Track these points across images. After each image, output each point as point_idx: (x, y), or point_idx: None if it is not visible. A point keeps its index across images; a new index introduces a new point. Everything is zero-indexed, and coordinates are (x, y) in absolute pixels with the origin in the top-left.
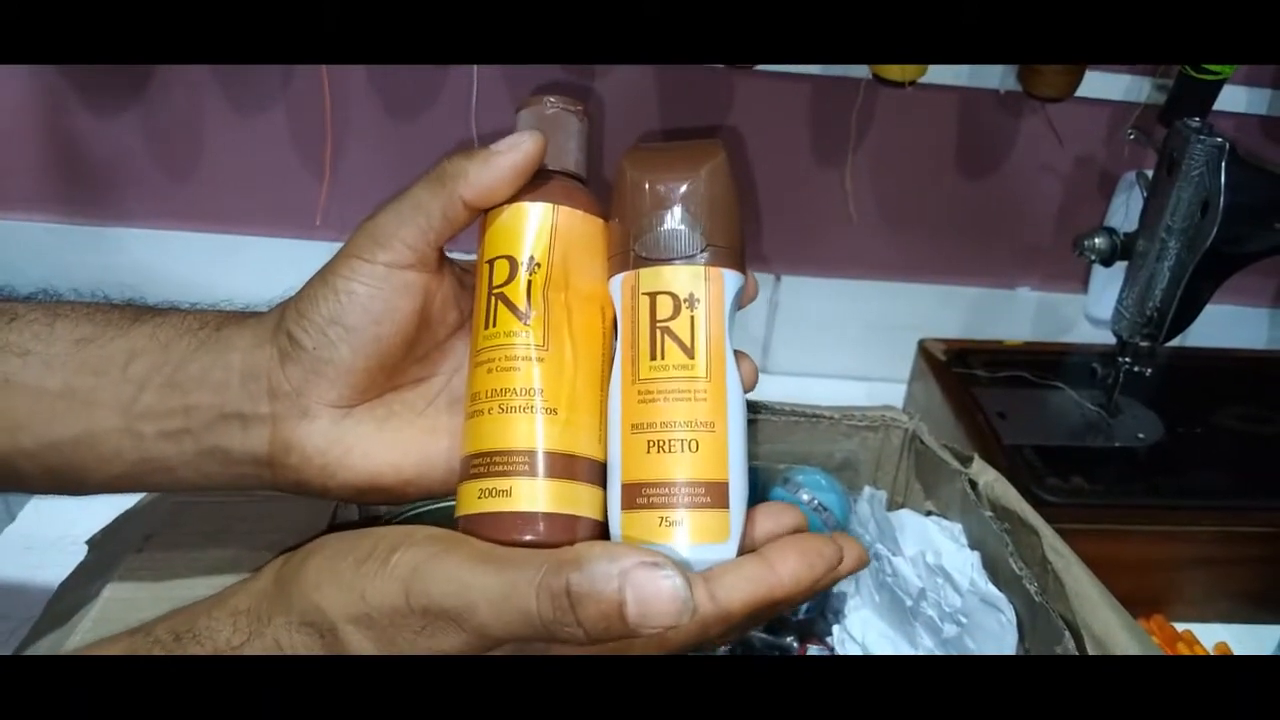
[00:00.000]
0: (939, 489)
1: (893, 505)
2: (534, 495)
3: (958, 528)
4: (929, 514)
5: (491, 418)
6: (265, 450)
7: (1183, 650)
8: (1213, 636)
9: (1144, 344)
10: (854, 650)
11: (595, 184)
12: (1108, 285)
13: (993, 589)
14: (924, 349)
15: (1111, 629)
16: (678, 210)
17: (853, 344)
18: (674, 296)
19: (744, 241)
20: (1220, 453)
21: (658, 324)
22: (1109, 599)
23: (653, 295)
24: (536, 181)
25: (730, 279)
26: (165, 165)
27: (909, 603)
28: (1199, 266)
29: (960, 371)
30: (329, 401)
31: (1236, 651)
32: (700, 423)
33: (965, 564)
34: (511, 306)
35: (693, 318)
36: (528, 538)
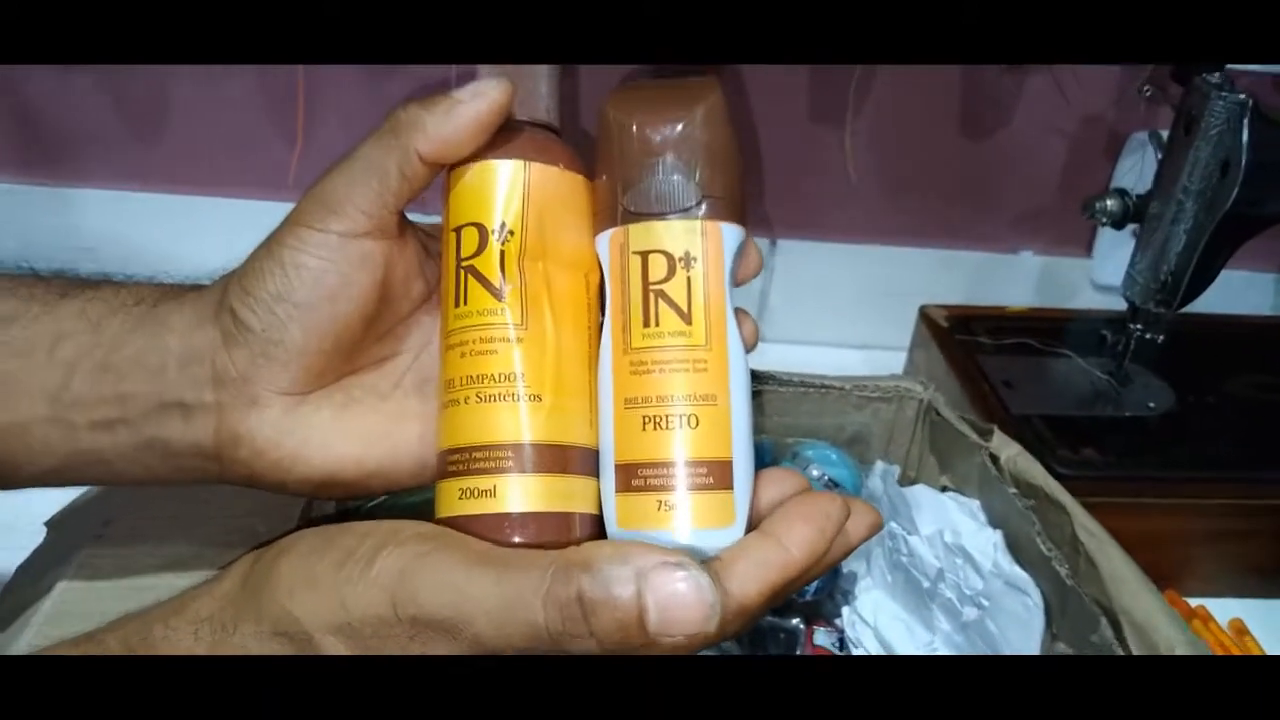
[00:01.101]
0: (955, 463)
1: (904, 480)
2: (521, 493)
3: (976, 504)
4: (944, 489)
5: (469, 408)
6: (210, 443)
7: (1197, 626)
8: (1227, 612)
9: (1157, 310)
10: (865, 633)
11: (571, 134)
12: (1113, 249)
13: (1018, 570)
14: (925, 315)
15: (1153, 616)
16: (669, 158)
17: (850, 310)
18: (668, 255)
19: (744, 191)
20: (1233, 422)
21: (650, 287)
22: (1147, 583)
23: (644, 254)
24: (504, 134)
25: (730, 234)
26: (128, 122)
27: (926, 584)
28: (1217, 229)
29: (964, 339)
30: (280, 388)
31: (1251, 627)
32: (700, 396)
33: (987, 543)
34: (484, 281)
35: (689, 279)
36: (516, 540)
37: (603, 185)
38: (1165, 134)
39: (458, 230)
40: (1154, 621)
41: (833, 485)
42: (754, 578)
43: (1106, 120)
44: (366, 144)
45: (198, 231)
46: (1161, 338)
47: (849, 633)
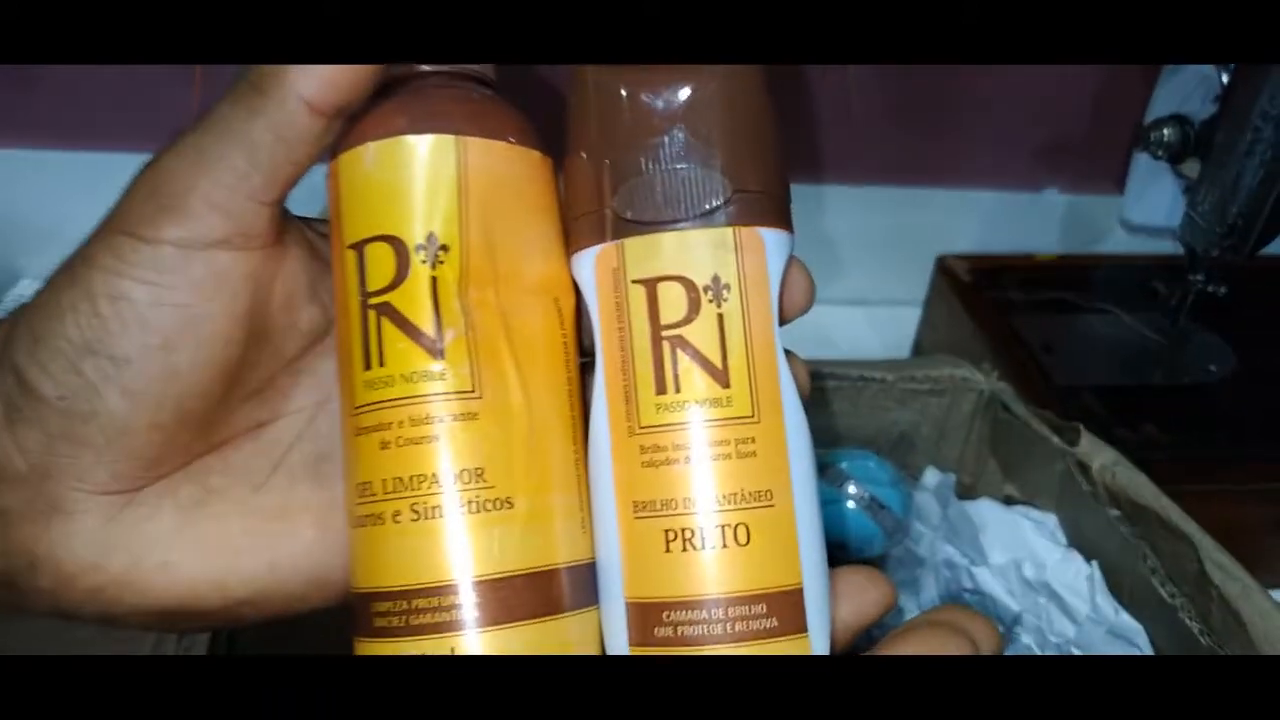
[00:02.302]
0: (1025, 469)
1: (959, 489)
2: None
3: (1052, 520)
4: (1008, 500)
5: (400, 529)
6: None
7: None
8: None
9: (1227, 257)
10: None
11: (514, 94)
12: (1148, 185)
13: (1126, 617)
14: (944, 267)
15: None
16: (680, 135)
17: (851, 261)
18: (687, 284)
19: (788, 182)
20: None
21: (663, 332)
22: None
23: (650, 284)
24: (419, 94)
25: (775, 245)
26: (3, 67)
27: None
28: None
29: (991, 295)
30: (96, 485)
31: None
32: (749, 493)
33: (1078, 578)
34: (408, 328)
35: (720, 316)
36: None
37: (581, 178)
38: None
39: (358, 248)
40: None
41: (877, 507)
42: None
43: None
44: (220, 104)
45: (93, 195)
46: (1224, 290)
47: None
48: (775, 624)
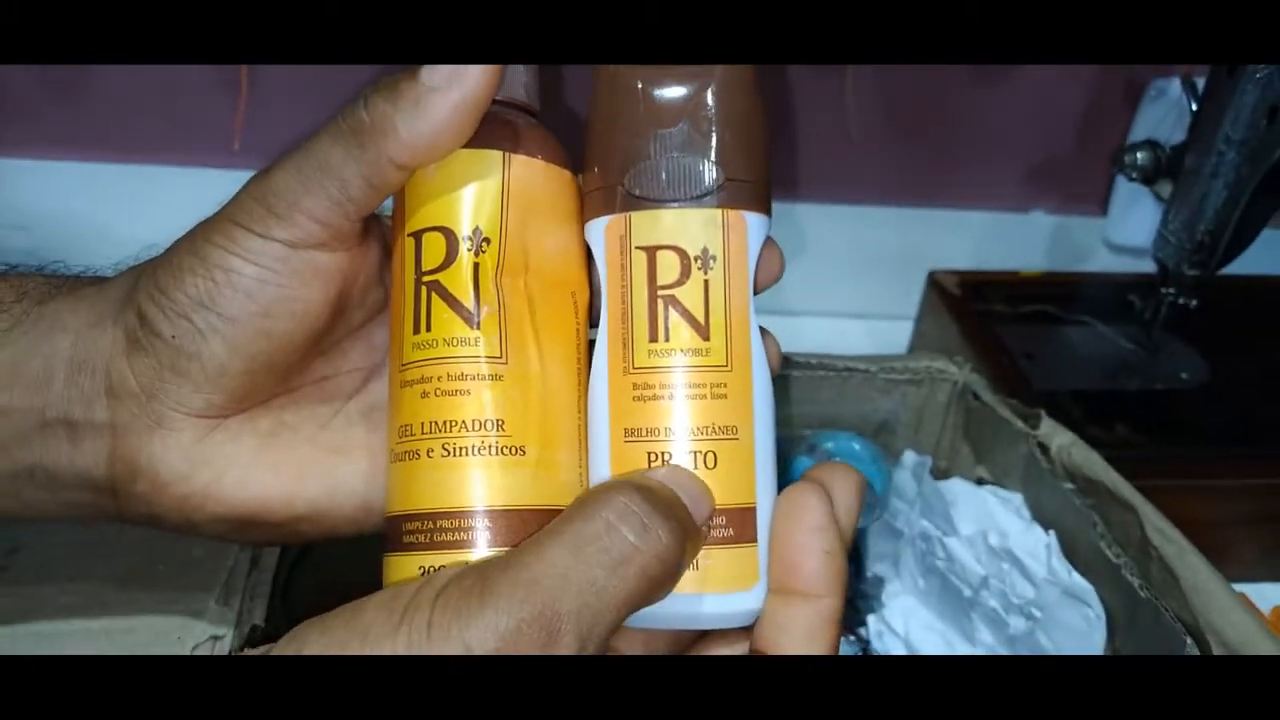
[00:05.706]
0: (994, 452)
1: (935, 472)
2: None
3: (1019, 499)
4: (979, 481)
5: (432, 463)
6: (103, 472)
7: None
8: (1269, 600)
9: (1192, 272)
10: (894, 644)
11: (551, 122)
12: (1130, 206)
13: (1078, 578)
14: (935, 282)
15: (1251, 638)
16: (684, 128)
17: (848, 277)
18: (680, 253)
19: (770, 174)
20: (1275, 392)
21: (659, 291)
22: (1236, 597)
23: (650, 251)
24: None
25: (755, 227)
26: (48, 81)
27: (968, 592)
28: (1264, 182)
29: (979, 307)
30: (192, 409)
31: None
32: (719, 427)
33: (1038, 545)
34: (452, 302)
35: (706, 282)
36: None
37: (597, 160)
38: (1199, 81)
39: (417, 236)
40: (1252, 643)
41: None
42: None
43: (1123, 64)
44: (322, 141)
45: (133, 205)
46: (1194, 303)
47: (875, 644)
48: (732, 533)
